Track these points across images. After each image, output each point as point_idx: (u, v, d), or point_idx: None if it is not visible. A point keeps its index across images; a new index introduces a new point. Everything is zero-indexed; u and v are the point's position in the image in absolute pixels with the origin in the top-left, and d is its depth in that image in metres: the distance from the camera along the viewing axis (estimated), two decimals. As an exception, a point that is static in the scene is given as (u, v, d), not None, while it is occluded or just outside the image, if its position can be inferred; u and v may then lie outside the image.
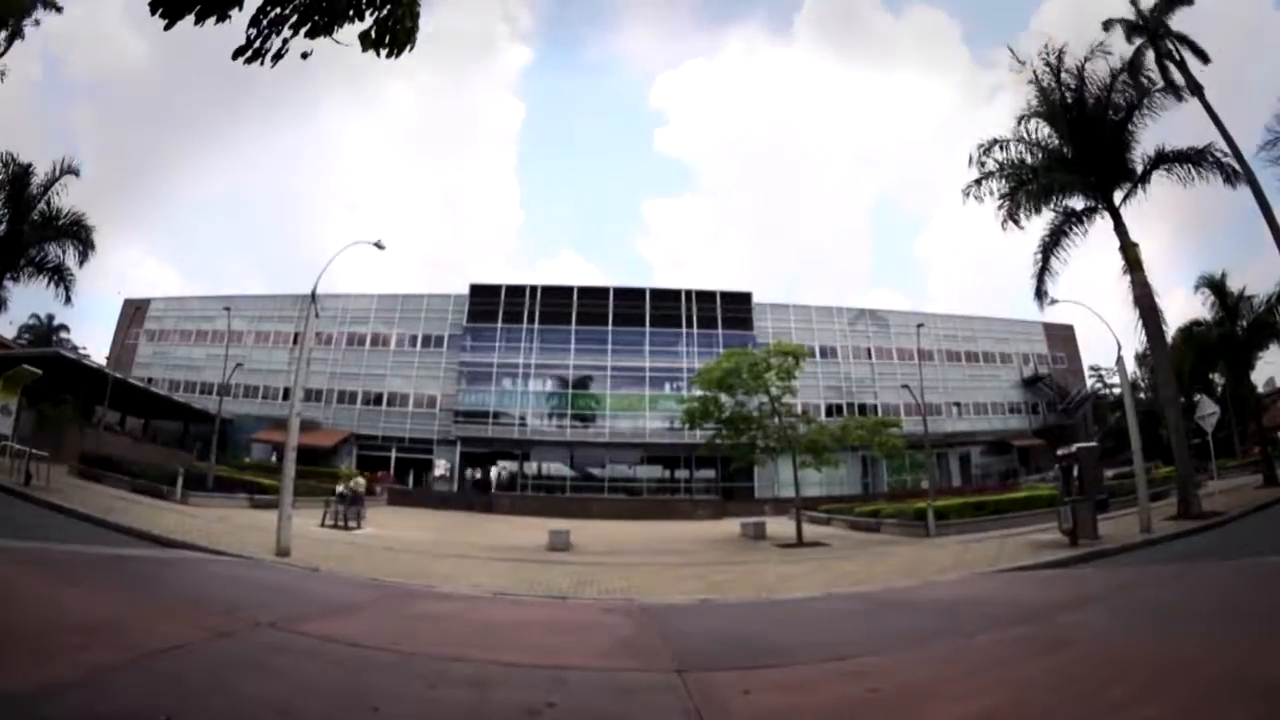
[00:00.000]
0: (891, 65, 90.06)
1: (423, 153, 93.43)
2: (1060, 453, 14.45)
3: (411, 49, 3.91)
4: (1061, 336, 44.89)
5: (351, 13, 3.75)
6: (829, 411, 37.40)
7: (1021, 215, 17.42)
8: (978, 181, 17.84)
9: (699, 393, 20.01)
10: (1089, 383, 46.63)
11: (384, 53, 3.83)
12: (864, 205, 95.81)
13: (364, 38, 3.74)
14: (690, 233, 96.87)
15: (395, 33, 3.83)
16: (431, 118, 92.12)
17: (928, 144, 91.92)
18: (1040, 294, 17.78)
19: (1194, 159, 16.32)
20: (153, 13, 3.45)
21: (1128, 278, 16.82)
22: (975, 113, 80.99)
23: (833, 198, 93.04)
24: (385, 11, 3.82)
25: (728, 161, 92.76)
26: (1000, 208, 17.60)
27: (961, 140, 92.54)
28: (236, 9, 3.55)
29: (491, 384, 41.01)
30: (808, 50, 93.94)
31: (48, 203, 20.07)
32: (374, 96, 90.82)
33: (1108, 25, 17.76)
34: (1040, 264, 17.78)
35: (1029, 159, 17.94)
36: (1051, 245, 17.72)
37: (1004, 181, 17.78)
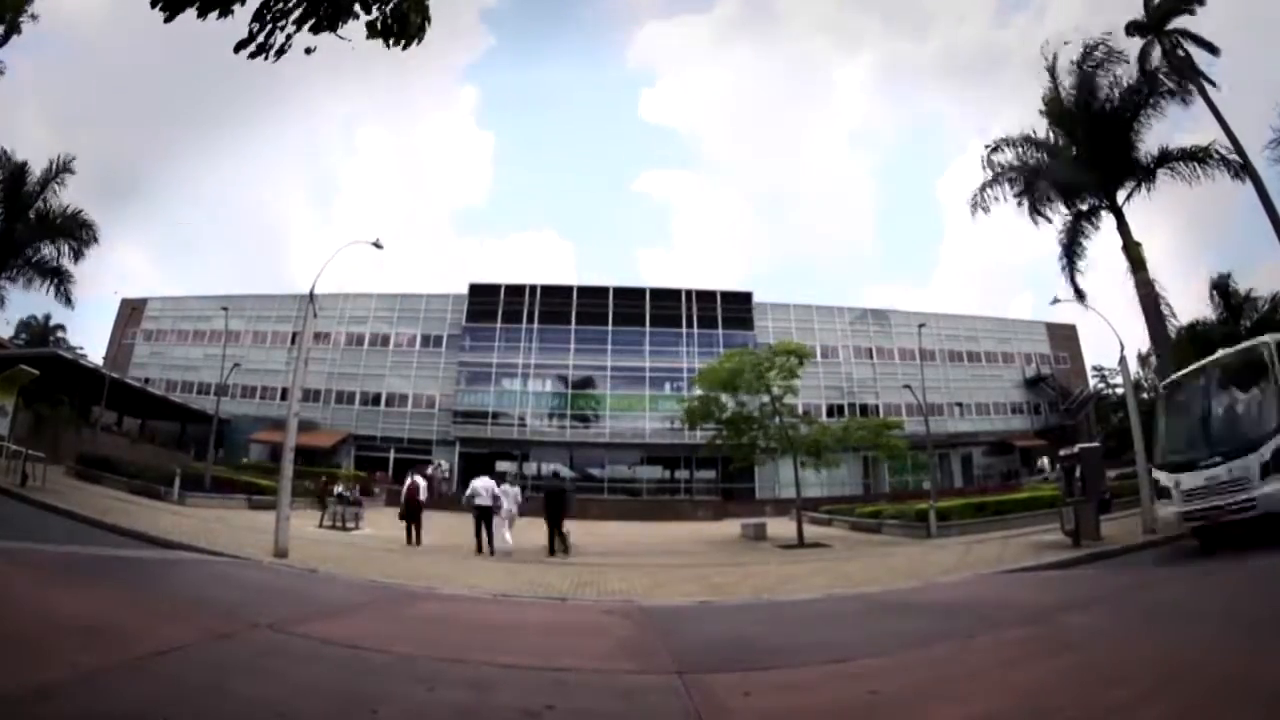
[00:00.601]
0: (902, 18, 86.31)
1: (386, 118, 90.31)
2: (1062, 453, 14.42)
3: (420, 42, 3.89)
4: (1064, 336, 44.89)
5: (357, 6, 3.74)
6: (830, 412, 37.36)
7: (1045, 208, 17.65)
8: (984, 187, 17.93)
9: (699, 393, 19.99)
10: (1091, 383, 46.61)
11: (392, 42, 3.82)
12: (870, 178, 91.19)
13: (370, 26, 3.73)
14: (677, 206, 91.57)
15: (404, 25, 3.81)
16: (396, 76, 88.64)
17: (939, 108, 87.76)
18: (1078, 294, 18.15)
19: (1198, 157, 16.30)
20: (153, 6, 3.42)
21: (1132, 277, 16.81)
22: (993, 71, 78.07)
23: (836, 172, 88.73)
24: (390, 7, 3.81)
25: (718, 125, 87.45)
26: (1020, 205, 17.77)
27: (977, 104, 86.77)
28: (239, 3, 3.53)
29: (491, 384, 41.01)
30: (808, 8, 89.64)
31: (44, 201, 20.04)
32: (350, 62, 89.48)
33: (1128, 30, 17.73)
34: (1067, 264, 18.08)
35: (1032, 160, 17.99)
36: (1071, 244, 17.84)
37: (1010, 184, 17.85)
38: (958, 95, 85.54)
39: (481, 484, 13.63)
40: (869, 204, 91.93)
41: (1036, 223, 17.64)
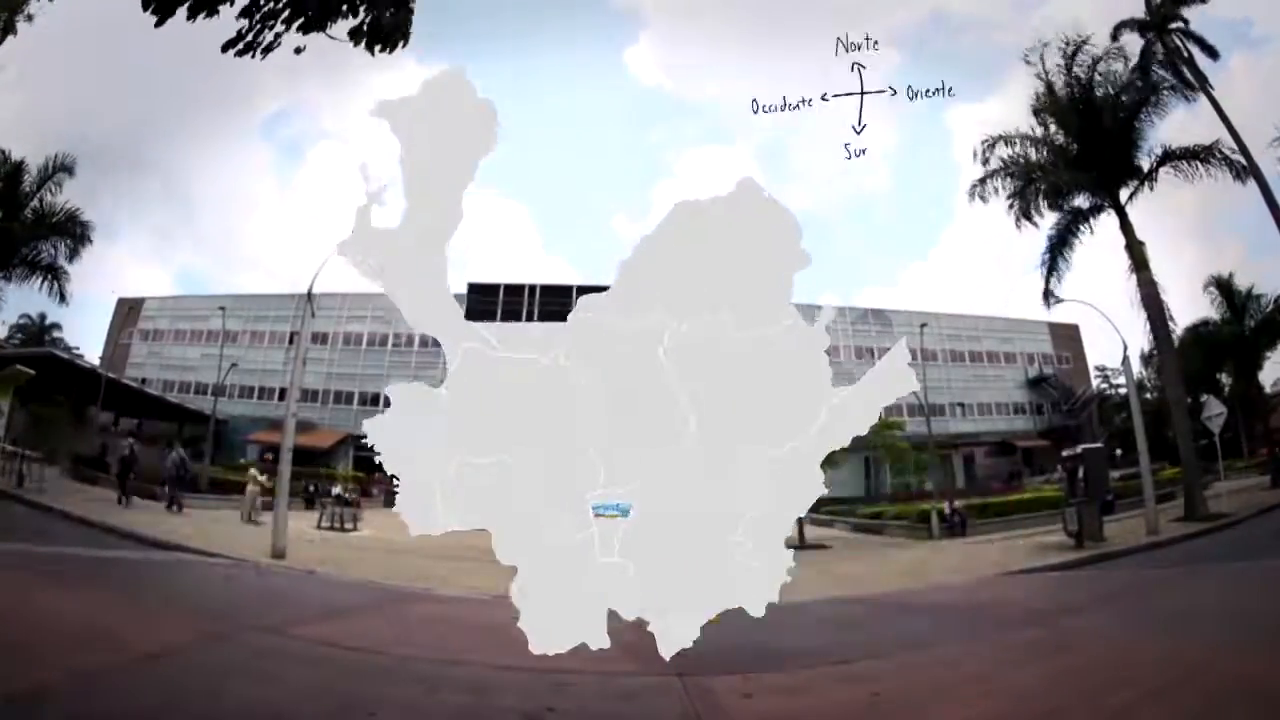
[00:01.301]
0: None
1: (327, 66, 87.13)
2: (1065, 454, 14.37)
3: (405, 45, 3.90)
4: (1067, 336, 44.73)
5: (345, 7, 3.74)
6: (829, 412, 37.23)
7: (1034, 213, 17.40)
8: (982, 180, 17.77)
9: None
10: (1095, 383, 46.52)
11: (377, 49, 3.82)
12: (877, 145, 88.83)
13: (354, 33, 3.74)
14: (663, 168, 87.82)
15: (387, 29, 3.81)
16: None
17: (964, 53, 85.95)
18: (1047, 294, 17.72)
19: (1201, 156, 16.19)
20: (145, 9, 3.43)
21: (1134, 277, 16.70)
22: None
23: (839, 132, 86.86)
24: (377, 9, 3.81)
25: (711, 71, 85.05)
26: (1011, 207, 17.57)
27: (1006, 51, 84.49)
28: (227, 4, 3.54)
29: (491, 385, 40.97)
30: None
31: (40, 200, 19.98)
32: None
33: (1119, 30, 17.62)
34: (1047, 264, 17.68)
35: (1033, 155, 17.88)
36: (1058, 245, 17.60)
37: (1010, 180, 17.71)
38: (985, 43, 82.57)
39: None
40: (874, 179, 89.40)
41: (1020, 227, 17.40)
